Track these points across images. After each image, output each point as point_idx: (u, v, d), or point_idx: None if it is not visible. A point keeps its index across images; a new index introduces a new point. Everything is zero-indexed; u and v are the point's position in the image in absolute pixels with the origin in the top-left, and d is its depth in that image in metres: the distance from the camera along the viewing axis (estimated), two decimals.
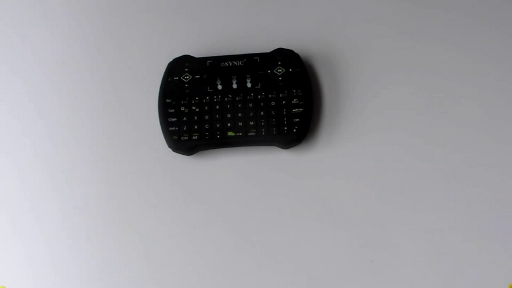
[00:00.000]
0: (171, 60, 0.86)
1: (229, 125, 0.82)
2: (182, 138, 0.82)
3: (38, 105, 0.88)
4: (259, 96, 0.83)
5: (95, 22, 0.92)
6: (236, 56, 0.86)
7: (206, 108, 0.83)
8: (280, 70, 0.85)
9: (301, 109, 0.83)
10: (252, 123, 0.82)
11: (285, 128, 0.82)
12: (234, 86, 0.84)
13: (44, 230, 0.83)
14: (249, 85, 0.84)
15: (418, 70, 0.87)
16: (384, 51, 0.88)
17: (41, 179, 0.85)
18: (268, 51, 0.86)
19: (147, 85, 0.87)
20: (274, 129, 0.82)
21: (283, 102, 0.83)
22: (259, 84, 0.84)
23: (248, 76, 0.85)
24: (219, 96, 0.84)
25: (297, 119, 0.82)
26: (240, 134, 0.82)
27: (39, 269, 0.82)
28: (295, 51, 0.86)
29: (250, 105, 0.83)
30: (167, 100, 0.84)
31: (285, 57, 0.85)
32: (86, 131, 0.87)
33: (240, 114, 0.83)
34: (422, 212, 0.81)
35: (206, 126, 0.83)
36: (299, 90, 0.84)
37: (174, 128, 0.83)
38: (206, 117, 0.83)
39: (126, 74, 0.89)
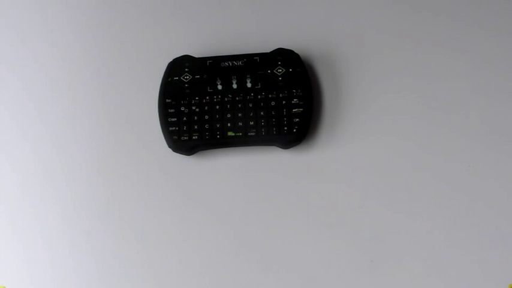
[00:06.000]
0: (171, 60, 0.86)
1: (229, 125, 0.82)
2: (182, 138, 0.82)
3: (37, 105, 0.88)
4: (259, 96, 0.83)
5: (95, 22, 0.92)
6: (236, 56, 0.86)
7: (206, 108, 0.83)
8: (280, 70, 0.85)
9: (301, 109, 0.83)
10: (252, 123, 0.82)
11: (285, 128, 0.82)
12: (234, 86, 0.84)
13: (43, 231, 0.83)
14: (249, 85, 0.84)
15: (417, 70, 0.87)
16: (384, 51, 0.88)
17: (40, 180, 0.85)
18: (268, 51, 0.86)
19: (147, 85, 0.87)
20: (274, 129, 0.82)
21: (283, 102, 0.83)
22: (259, 84, 0.84)
23: (248, 76, 0.85)
24: (219, 96, 0.84)
25: (297, 119, 0.82)
26: (240, 134, 0.82)
27: (39, 269, 0.82)
28: (295, 51, 0.86)
29: (250, 105, 0.83)
30: (167, 100, 0.84)
31: (285, 57, 0.85)
32: (85, 131, 0.87)
33: (240, 114, 0.83)
34: (422, 211, 0.81)
35: (206, 126, 0.83)
36: (299, 90, 0.84)
37: (174, 128, 0.83)
38: (206, 117, 0.83)
39: (126, 74, 0.89)
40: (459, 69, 0.87)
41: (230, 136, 0.82)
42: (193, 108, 0.83)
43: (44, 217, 0.83)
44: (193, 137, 0.82)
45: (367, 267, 0.80)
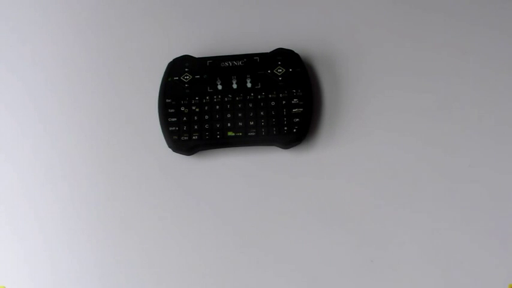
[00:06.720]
0: (171, 60, 0.86)
1: (229, 125, 0.82)
2: (182, 138, 0.82)
3: (37, 106, 0.88)
4: (259, 96, 0.83)
5: (95, 22, 0.92)
6: (236, 56, 0.86)
7: (206, 108, 0.83)
8: (280, 70, 0.85)
9: (301, 109, 0.83)
10: (252, 123, 0.82)
11: (285, 128, 0.82)
12: (234, 86, 0.84)
13: (43, 230, 0.83)
14: (249, 85, 0.84)
15: (417, 70, 0.87)
16: (384, 51, 0.88)
17: (40, 179, 0.85)
18: (268, 51, 0.86)
19: (147, 85, 0.87)
20: (274, 129, 0.82)
21: (283, 102, 0.83)
22: (259, 84, 0.84)
23: (248, 76, 0.85)
24: (219, 96, 0.84)
25: (297, 119, 0.82)
26: (240, 134, 0.82)
27: (39, 269, 0.82)
28: (295, 51, 0.86)
29: (250, 105, 0.83)
30: (167, 100, 0.84)
31: (285, 57, 0.85)
32: (85, 131, 0.87)
33: (240, 114, 0.83)
34: (422, 212, 0.81)
35: (206, 126, 0.83)
36: (299, 90, 0.84)
37: (174, 128, 0.83)
38: (206, 117, 0.83)
39: (126, 74, 0.89)
40: (459, 67, 0.87)
41: (230, 136, 0.82)
42: (193, 108, 0.83)
43: (44, 217, 0.83)
44: (193, 137, 0.82)
45: (367, 267, 0.80)
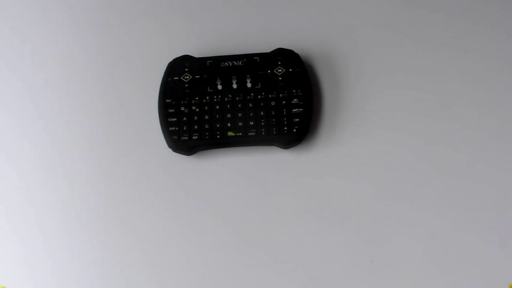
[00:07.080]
0: (171, 60, 0.86)
1: (229, 125, 0.82)
2: (182, 138, 0.82)
3: (37, 106, 0.88)
4: (259, 96, 0.83)
5: (95, 22, 0.92)
6: (236, 56, 0.86)
7: (206, 108, 0.83)
8: (280, 70, 0.85)
9: (301, 109, 0.83)
10: (252, 123, 0.82)
11: (285, 128, 0.82)
12: (234, 86, 0.84)
13: (43, 230, 0.83)
14: (249, 85, 0.84)
15: (417, 70, 0.87)
16: (384, 51, 0.88)
17: (40, 179, 0.85)
18: (268, 51, 0.86)
19: (147, 85, 0.87)
20: (274, 129, 0.82)
21: (283, 102, 0.83)
22: (259, 84, 0.84)
23: (248, 76, 0.85)
24: (219, 96, 0.84)
25: (297, 119, 0.82)
26: (240, 134, 0.82)
27: (39, 269, 0.82)
28: (295, 51, 0.86)
29: (250, 105, 0.83)
30: (167, 100, 0.84)
31: (285, 57, 0.85)
32: (85, 131, 0.87)
33: (240, 114, 0.83)
34: (422, 212, 0.81)
35: (206, 126, 0.83)
36: (299, 90, 0.84)
37: (174, 128, 0.83)
38: (206, 117, 0.83)
39: (126, 74, 0.89)
40: (459, 66, 0.87)
41: (230, 136, 0.82)
42: (193, 108, 0.83)
43: (44, 217, 0.83)
44: (193, 137, 0.82)
45: (367, 267, 0.80)
